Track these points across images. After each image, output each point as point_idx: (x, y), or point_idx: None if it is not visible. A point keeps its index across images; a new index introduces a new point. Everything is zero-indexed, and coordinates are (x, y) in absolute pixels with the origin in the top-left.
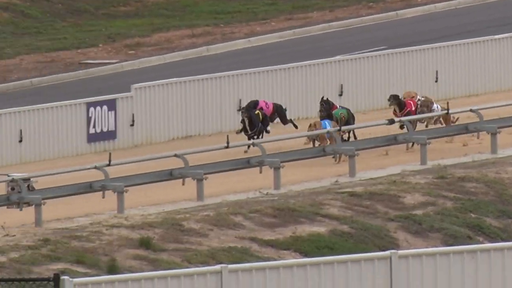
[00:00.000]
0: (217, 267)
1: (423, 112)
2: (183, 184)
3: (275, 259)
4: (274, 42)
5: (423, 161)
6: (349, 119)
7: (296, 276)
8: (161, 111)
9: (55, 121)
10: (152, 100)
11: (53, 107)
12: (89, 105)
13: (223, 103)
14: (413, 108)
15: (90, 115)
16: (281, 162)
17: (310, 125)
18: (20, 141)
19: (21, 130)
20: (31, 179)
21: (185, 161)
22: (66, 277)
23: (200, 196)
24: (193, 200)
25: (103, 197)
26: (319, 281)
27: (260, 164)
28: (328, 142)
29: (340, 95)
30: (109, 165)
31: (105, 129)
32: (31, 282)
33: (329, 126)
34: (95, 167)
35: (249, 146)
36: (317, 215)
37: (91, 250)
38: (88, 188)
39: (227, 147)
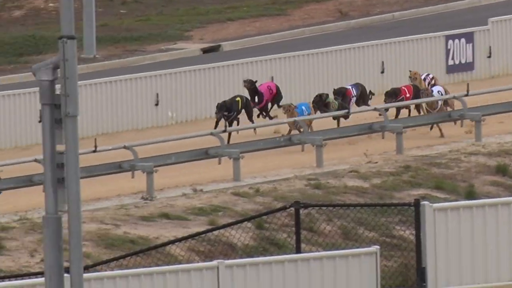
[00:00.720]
0: None
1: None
2: None
3: None
4: None
5: None
6: (340, 107)
7: None
8: None
9: (414, 53)
10: (508, 33)
11: (413, 40)
12: (447, 37)
13: None
14: (408, 95)
15: (448, 47)
16: None
17: (284, 108)
18: (382, 72)
19: (382, 62)
20: None
21: None
22: (426, 202)
23: None
24: None
25: (462, 126)
26: None
27: None
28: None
29: None
30: (467, 95)
31: (463, 61)
32: (392, 207)
33: (306, 110)
34: (454, 97)
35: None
36: None
37: (450, 177)
38: (447, 117)
39: None
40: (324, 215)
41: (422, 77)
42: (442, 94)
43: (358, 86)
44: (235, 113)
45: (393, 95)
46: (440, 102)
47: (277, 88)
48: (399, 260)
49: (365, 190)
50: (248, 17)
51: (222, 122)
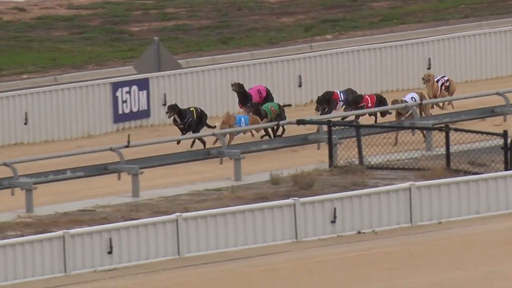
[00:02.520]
0: None
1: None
2: None
3: None
4: None
5: None
6: (281, 112)
7: None
8: None
9: None
10: None
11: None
12: None
13: None
14: (369, 104)
15: None
16: None
17: (223, 122)
18: None
19: None
20: None
21: None
22: None
23: None
24: None
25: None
26: None
27: None
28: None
29: None
30: None
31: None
32: None
33: (244, 122)
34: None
35: (193, 142)
36: None
37: None
38: None
39: None
40: None
41: (436, 79)
42: (415, 101)
43: (348, 92)
44: (187, 119)
45: (352, 103)
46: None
47: (268, 91)
48: None
49: None
50: None
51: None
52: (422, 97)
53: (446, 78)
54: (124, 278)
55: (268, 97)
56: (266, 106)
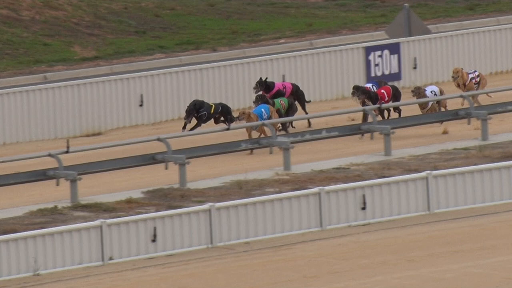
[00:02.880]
0: None
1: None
2: None
3: None
4: None
5: None
6: (290, 108)
7: None
8: None
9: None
10: None
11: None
12: None
13: None
14: (386, 98)
15: None
16: None
17: (242, 114)
18: None
19: None
20: None
21: None
22: None
23: None
24: None
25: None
26: None
27: None
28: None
29: None
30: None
31: None
32: None
33: (265, 113)
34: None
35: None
36: None
37: None
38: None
39: None
40: None
41: (470, 73)
42: (435, 94)
43: (380, 84)
44: (206, 114)
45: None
46: (430, 102)
47: (294, 87)
48: None
49: None
50: None
51: None
52: (442, 92)
53: (477, 73)
54: (376, 233)
55: (294, 93)
56: (277, 100)
